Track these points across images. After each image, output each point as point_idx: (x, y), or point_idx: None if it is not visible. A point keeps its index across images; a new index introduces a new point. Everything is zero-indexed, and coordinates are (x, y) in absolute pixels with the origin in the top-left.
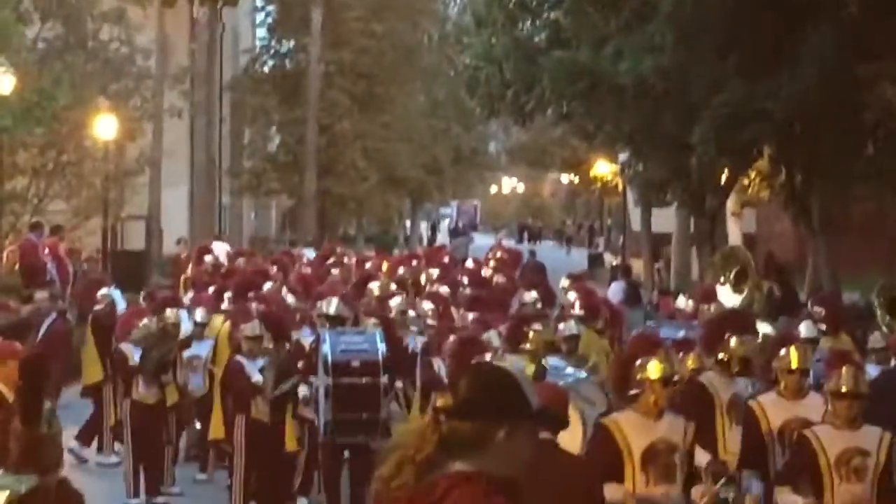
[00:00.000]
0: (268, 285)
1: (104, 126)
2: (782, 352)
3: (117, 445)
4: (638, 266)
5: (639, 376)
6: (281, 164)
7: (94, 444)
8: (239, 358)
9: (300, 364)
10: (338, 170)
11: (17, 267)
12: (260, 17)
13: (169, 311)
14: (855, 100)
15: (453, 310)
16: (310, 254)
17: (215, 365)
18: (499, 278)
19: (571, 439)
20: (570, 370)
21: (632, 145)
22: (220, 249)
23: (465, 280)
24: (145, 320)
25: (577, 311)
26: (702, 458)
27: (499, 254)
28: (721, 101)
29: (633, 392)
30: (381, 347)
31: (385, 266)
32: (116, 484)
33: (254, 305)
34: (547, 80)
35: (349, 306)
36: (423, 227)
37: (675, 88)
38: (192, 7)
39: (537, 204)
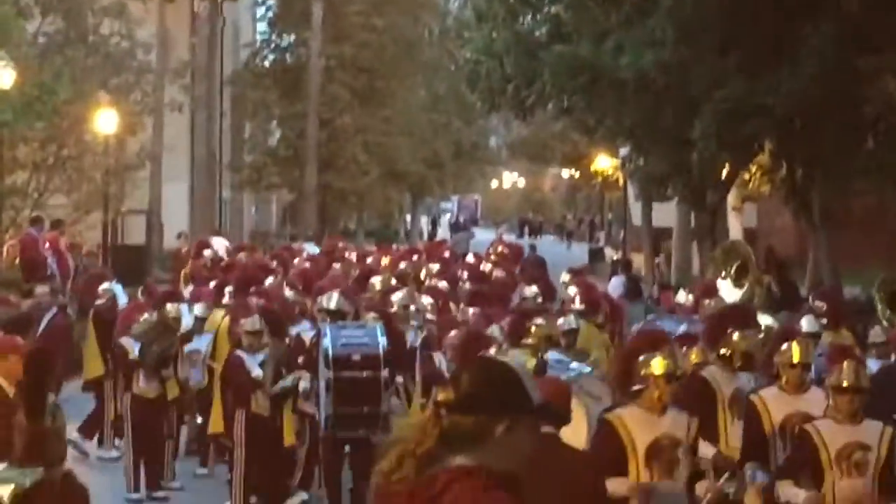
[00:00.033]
0: (269, 280)
1: (105, 120)
2: (784, 346)
3: (118, 440)
4: (639, 261)
5: (643, 372)
6: (281, 159)
7: (95, 438)
8: (239, 352)
9: (301, 359)
10: (338, 164)
11: (17, 261)
12: (260, 11)
13: (170, 306)
14: (855, 94)
15: (452, 305)
16: (310, 248)
17: (215, 360)
18: (498, 273)
19: (576, 434)
20: (574, 365)
21: (632, 140)
22: (219, 244)
23: (465, 275)
24: (146, 315)
25: (578, 305)
26: (706, 451)
27: (500, 248)
28: (722, 96)
29: (636, 387)
30: (382, 341)
31: (386, 261)
32: (117, 478)
33: (253, 300)
34: (548, 75)
35: (350, 301)
36: (424, 222)
37: (675, 83)
38: (192, 1)
39: (538, 198)
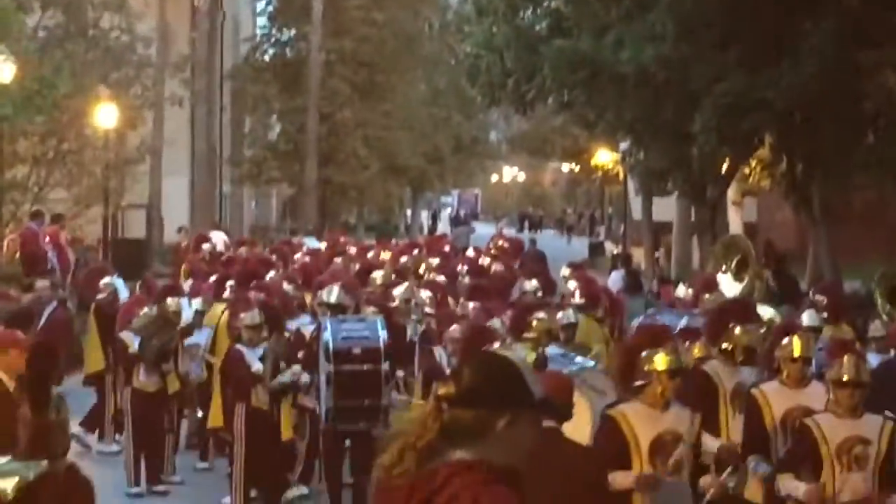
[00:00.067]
0: (270, 274)
1: (105, 114)
2: (785, 340)
3: (118, 434)
4: (639, 255)
5: (645, 367)
6: (281, 153)
7: (96, 432)
8: (239, 347)
9: (301, 353)
10: (338, 158)
11: (17, 255)
12: (260, 5)
13: (170, 300)
14: (855, 89)
15: (451, 299)
16: (311, 242)
17: (214, 354)
18: (497, 267)
19: (580, 429)
20: (579, 359)
21: (633, 134)
22: (218, 238)
23: (465, 269)
24: (146, 309)
25: (578, 299)
26: (711, 444)
27: (500, 243)
28: (722, 91)
29: (638, 383)
30: (383, 335)
31: (387, 255)
32: (117, 472)
33: (253, 294)
34: (548, 69)
35: (350, 295)
36: (424, 216)
37: (676, 78)
38: None
39: (538, 193)
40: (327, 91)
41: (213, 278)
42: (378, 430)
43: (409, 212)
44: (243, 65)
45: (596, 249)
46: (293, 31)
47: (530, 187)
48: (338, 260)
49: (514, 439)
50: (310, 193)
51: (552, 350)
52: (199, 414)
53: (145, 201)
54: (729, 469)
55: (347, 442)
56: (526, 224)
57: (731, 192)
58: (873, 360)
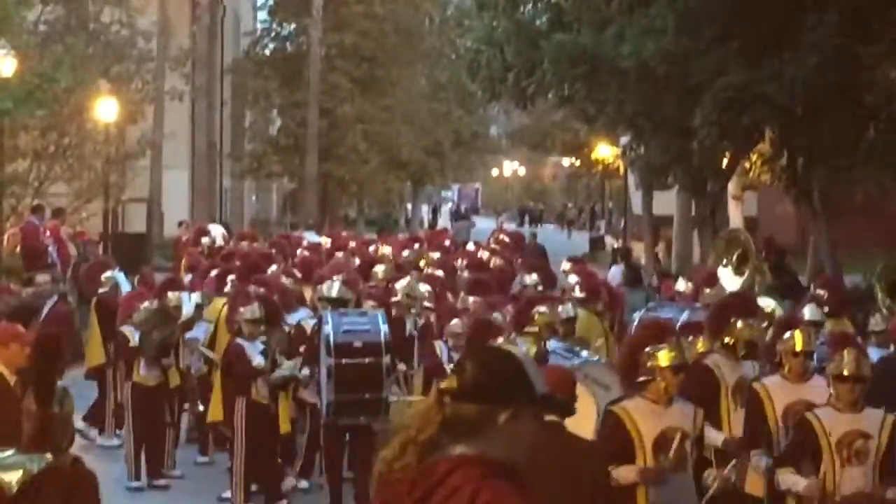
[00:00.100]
0: (272, 269)
1: (105, 109)
2: (787, 335)
3: (118, 428)
4: (639, 249)
5: (649, 364)
6: (282, 147)
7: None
8: (239, 341)
9: (301, 348)
10: (339, 153)
11: (18, 250)
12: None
13: (170, 294)
14: (856, 82)
15: (449, 294)
16: (311, 237)
17: (214, 348)
18: (496, 261)
19: (584, 423)
20: (584, 353)
21: (633, 128)
22: (217, 232)
23: (464, 263)
24: (146, 303)
25: (578, 293)
26: (713, 437)
27: (501, 237)
28: (722, 85)
29: (641, 379)
30: (384, 328)
31: (387, 249)
32: (118, 466)
33: (252, 288)
34: (548, 64)
35: (351, 289)
36: (424, 211)
37: (676, 72)
38: None
39: (538, 187)
40: (328, 85)
41: (214, 272)
42: (379, 424)
43: (409, 206)
44: (244, 59)
45: (596, 244)
46: (293, 26)
47: (531, 182)
48: (339, 254)
49: (515, 434)
50: (310, 188)
51: (558, 344)
52: (201, 408)
53: (146, 195)
54: (733, 462)
55: (348, 436)
56: (526, 218)
57: (732, 187)
58: (873, 354)
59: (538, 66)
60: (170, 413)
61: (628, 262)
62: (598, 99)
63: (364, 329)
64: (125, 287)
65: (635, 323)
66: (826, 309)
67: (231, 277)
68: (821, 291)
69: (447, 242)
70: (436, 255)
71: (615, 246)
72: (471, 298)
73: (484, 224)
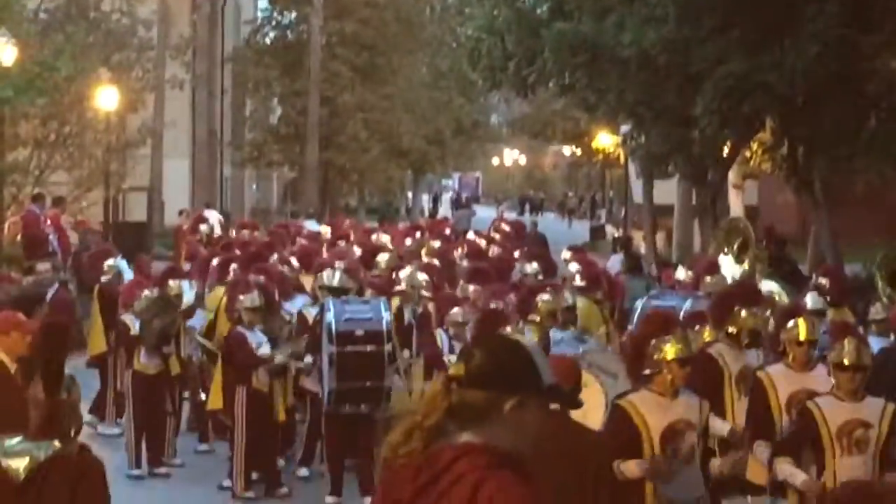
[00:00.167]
0: (274, 258)
1: (106, 97)
2: (790, 324)
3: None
4: (640, 238)
5: (655, 356)
6: (282, 136)
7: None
8: (240, 329)
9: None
10: (339, 141)
11: (18, 238)
12: None
13: (171, 282)
14: (857, 71)
15: (447, 282)
16: (311, 225)
17: (213, 337)
18: (495, 249)
19: (592, 413)
20: (592, 341)
21: (634, 117)
22: (213, 217)
23: (464, 252)
24: (147, 291)
25: (579, 282)
26: (718, 426)
27: (501, 225)
28: (723, 73)
29: (647, 372)
30: (386, 316)
31: (387, 238)
32: (118, 454)
33: (251, 277)
34: (549, 52)
35: (353, 278)
36: (425, 199)
37: (677, 60)
38: None
39: (539, 176)
40: (328, 74)
41: (215, 261)
42: (380, 412)
43: (410, 195)
44: (244, 47)
45: (597, 233)
46: (294, 14)
47: (531, 170)
48: (341, 243)
49: (520, 422)
50: (311, 176)
51: (566, 333)
52: (202, 396)
53: (146, 184)
54: (731, 454)
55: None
56: (527, 207)
57: (733, 176)
58: (874, 343)
59: (539, 55)
60: (170, 401)
61: (628, 250)
62: (599, 88)
63: (366, 317)
64: (128, 275)
65: (637, 311)
66: (828, 298)
67: (234, 266)
68: (822, 281)
69: (447, 231)
70: (437, 243)
71: (616, 235)
72: (470, 287)
73: (484, 213)
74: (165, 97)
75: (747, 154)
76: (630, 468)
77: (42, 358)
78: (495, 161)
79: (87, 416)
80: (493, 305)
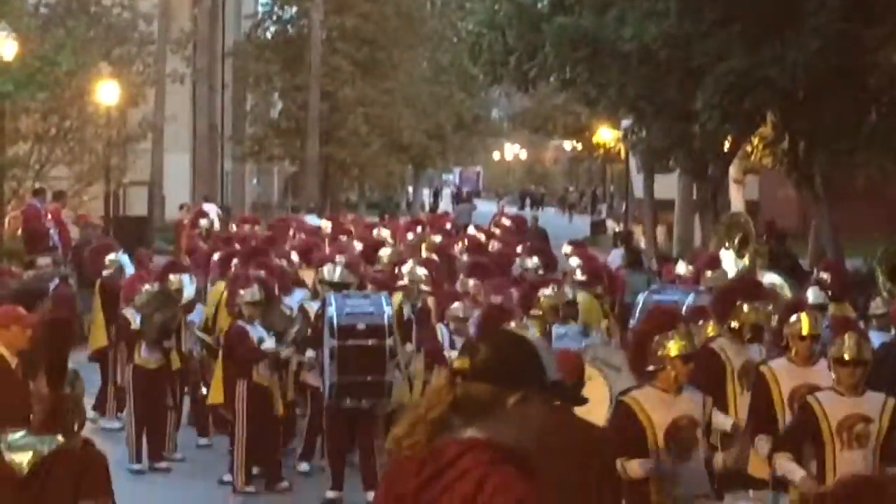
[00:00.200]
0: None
1: (106, 91)
2: (793, 318)
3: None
4: (640, 233)
5: (658, 353)
6: (283, 131)
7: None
8: (241, 323)
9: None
10: (340, 136)
11: (19, 232)
12: None
13: (172, 277)
14: (858, 66)
15: (446, 277)
16: (312, 220)
17: (212, 331)
18: (496, 244)
19: (597, 407)
20: (595, 335)
21: (635, 112)
22: (212, 211)
23: (464, 246)
24: (147, 285)
25: (580, 276)
26: (721, 421)
27: (502, 220)
28: (724, 68)
29: (651, 368)
30: (388, 310)
31: (387, 232)
32: (119, 449)
33: (251, 271)
34: (550, 47)
35: (353, 273)
36: (426, 194)
37: (678, 55)
38: None
39: (540, 171)
40: (329, 68)
41: (216, 256)
42: (381, 406)
43: (410, 189)
44: (245, 42)
45: (597, 227)
46: (295, 9)
47: (532, 165)
48: (342, 238)
49: (524, 417)
50: (311, 171)
51: (570, 327)
52: (204, 391)
53: (147, 178)
54: (740, 446)
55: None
56: (527, 202)
57: (733, 170)
58: (875, 337)
59: (540, 50)
60: (171, 396)
61: (629, 245)
62: (600, 82)
63: (367, 311)
64: (129, 270)
65: (639, 306)
66: (829, 292)
67: (235, 261)
68: (824, 275)
69: (448, 226)
70: (437, 238)
71: (616, 229)
72: (471, 281)
73: (485, 207)
74: (166, 91)
75: (748, 149)
76: (633, 468)
77: (45, 353)
78: (496, 156)
79: (90, 413)
80: (494, 300)
